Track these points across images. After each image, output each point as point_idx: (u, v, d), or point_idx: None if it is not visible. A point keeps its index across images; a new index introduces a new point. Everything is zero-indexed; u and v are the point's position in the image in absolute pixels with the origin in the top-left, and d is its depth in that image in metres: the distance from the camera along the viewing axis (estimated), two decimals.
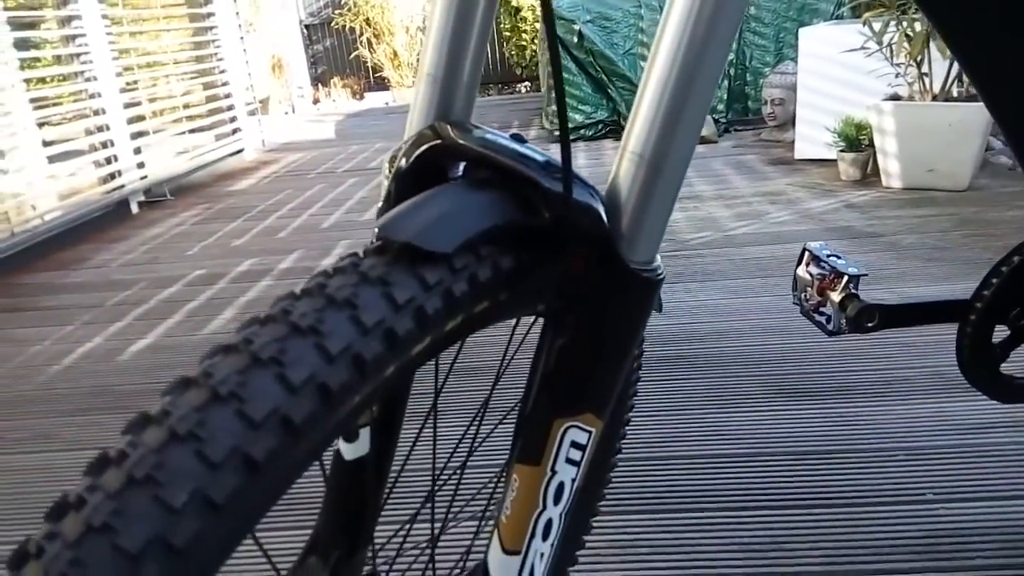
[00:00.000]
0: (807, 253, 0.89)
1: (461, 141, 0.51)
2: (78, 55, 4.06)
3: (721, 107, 4.83)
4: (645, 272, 0.50)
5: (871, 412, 1.60)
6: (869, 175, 3.41)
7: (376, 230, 0.46)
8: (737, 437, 1.56)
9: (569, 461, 0.54)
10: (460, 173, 0.54)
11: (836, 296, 0.84)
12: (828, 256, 0.87)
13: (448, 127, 0.53)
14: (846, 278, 0.84)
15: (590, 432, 0.53)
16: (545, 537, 0.56)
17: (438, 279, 0.44)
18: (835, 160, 3.52)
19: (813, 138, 3.76)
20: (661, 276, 0.51)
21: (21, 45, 3.75)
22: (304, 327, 0.40)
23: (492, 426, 0.70)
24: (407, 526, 0.66)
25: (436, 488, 0.67)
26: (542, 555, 0.57)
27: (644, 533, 1.30)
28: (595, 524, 1.31)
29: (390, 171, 0.55)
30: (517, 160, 0.49)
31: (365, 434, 0.64)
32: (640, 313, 0.51)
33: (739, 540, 1.26)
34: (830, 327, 0.87)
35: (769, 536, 1.26)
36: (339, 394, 0.39)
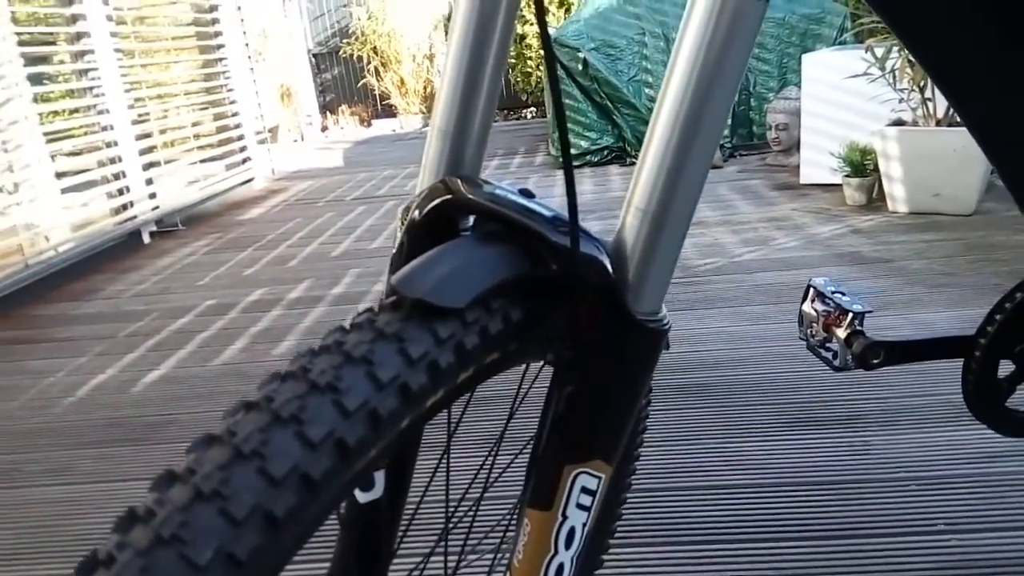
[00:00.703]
0: (812, 289, 0.91)
1: (471, 196, 0.53)
2: (90, 89, 4.13)
3: (726, 132, 4.86)
4: (651, 322, 0.51)
5: (882, 441, 1.60)
6: (875, 200, 3.42)
7: (389, 285, 0.48)
8: (746, 466, 1.55)
9: (579, 506, 0.55)
10: (470, 226, 0.55)
11: (841, 332, 0.85)
12: (833, 292, 0.88)
13: (459, 181, 0.55)
14: (851, 315, 0.85)
15: (600, 478, 0.55)
16: None
17: (450, 333, 0.46)
18: (840, 185, 3.54)
19: (818, 163, 3.78)
20: (667, 326, 0.52)
21: (35, 78, 3.82)
22: (323, 384, 0.41)
23: (505, 465, 0.72)
24: (421, 566, 0.67)
25: (449, 527, 0.68)
26: None
27: (654, 565, 1.30)
28: (608, 557, 1.31)
29: (403, 223, 0.57)
30: (525, 215, 0.51)
31: (379, 476, 0.65)
32: (646, 362, 0.52)
33: (749, 573, 1.26)
34: (836, 363, 0.88)
35: (780, 569, 1.26)
36: (356, 449, 0.41)
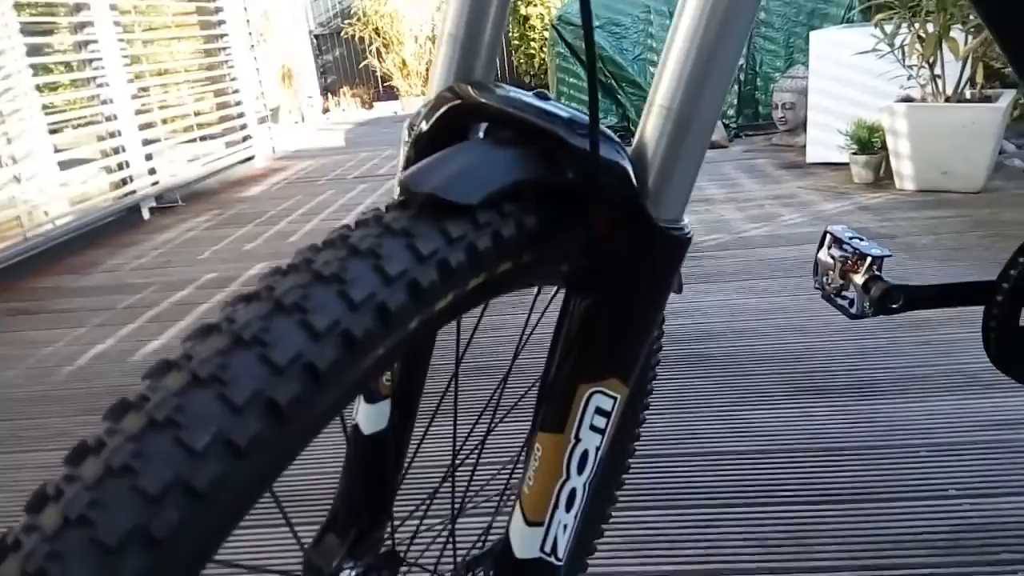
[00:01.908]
0: (828, 236, 0.88)
1: (483, 100, 0.50)
2: (90, 61, 4.09)
3: (732, 112, 4.82)
4: (674, 230, 0.48)
5: (891, 409, 1.57)
6: (882, 178, 3.39)
7: (398, 185, 0.45)
8: (755, 434, 1.53)
9: (593, 428, 0.52)
10: (482, 135, 0.53)
11: (859, 278, 0.83)
12: (851, 238, 0.85)
13: (469, 87, 0.52)
14: (869, 259, 0.82)
15: (615, 398, 0.52)
16: (568, 508, 0.55)
17: (462, 233, 0.43)
18: (847, 163, 3.50)
19: (825, 142, 3.74)
20: (689, 235, 0.49)
21: (34, 52, 3.78)
22: (327, 275, 0.39)
23: (514, 401, 0.69)
24: (426, 503, 0.65)
25: (456, 465, 0.66)
26: (565, 526, 0.55)
27: (662, 528, 1.28)
28: (613, 520, 1.29)
29: (409, 136, 0.55)
30: (542, 117, 0.48)
31: (384, 409, 0.63)
32: (667, 273, 0.50)
33: (758, 535, 1.24)
34: (853, 310, 0.85)
35: (788, 532, 1.24)
36: (363, 342, 0.38)
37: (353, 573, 0.64)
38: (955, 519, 1.23)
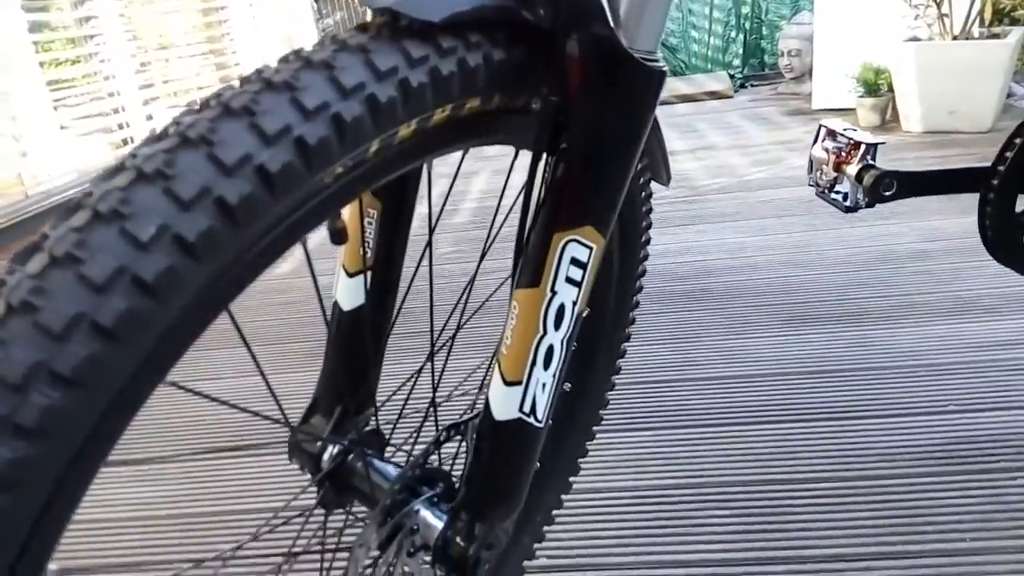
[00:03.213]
0: (823, 129, 0.86)
1: None
2: (91, 37, 4.05)
3: (736, 62, 4.75)
4: (648, 61, 0.47)
5: (886, 334, 1.57)
6: (889, 120, 3.34)
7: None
8: (749, 360, 1.53)
9: (569, 281, 0.52)
10: None
11: (852, 169, 0.81)
12: (844, 129, 0.84)
13: None
14: (863, 147, 0.80)
15: (591, 248, 0.51)
16: (547, 365, 0.54)
17: (423, 54, 0.42)
18: (854, 108, 3.45)
19: (831, 87, 3.68)
20: (664, 69, 0.48)
21: (35, 27, 3.73)
22: (278, 83, 0.38)
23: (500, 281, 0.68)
24: (410, 381, 0.65)
25: (436, 345, 0.66)
26: (544, 385, 0.55)
27: (656, 446, 1.28)
28: (608, 439, 1.30)
29: None
30: None
31: (360, 285, 0.62)
32: (643, 108, 0.49)
33: (749, 451, 1.24)
34: (847, 203, 0.84)
35: (780, 447, 1.24)
36: (317, 151, 0.37)
37: (335, 451, 0.64)
38: (950, 433, 1.23)
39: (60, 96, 3.82)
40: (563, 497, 0.91)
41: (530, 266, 0.52)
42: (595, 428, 0.90)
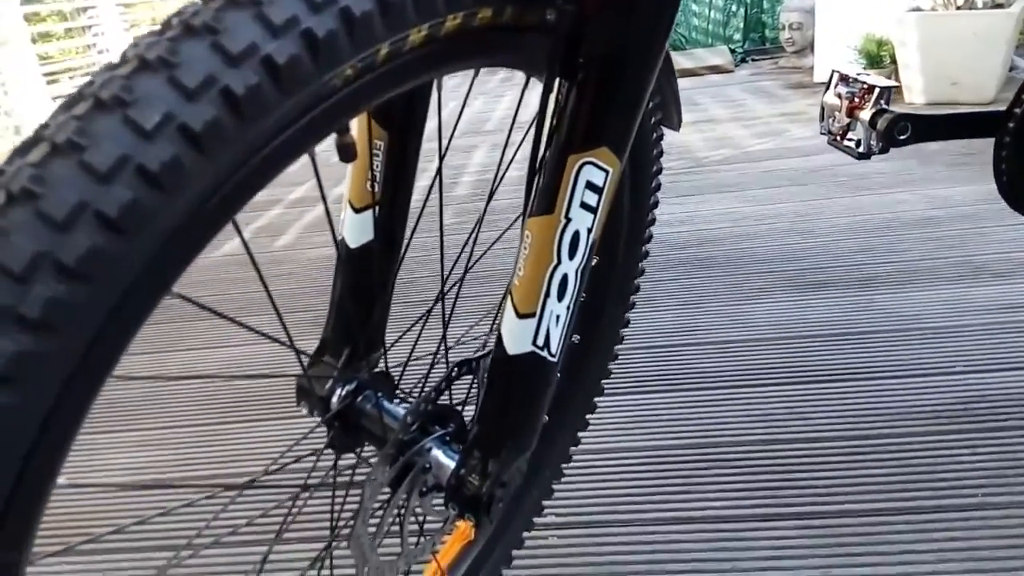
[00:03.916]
0: (835, 75, 0.84)
1: None
2: (84, 9, 4.00)
3: (737, 36, 4.71)
4: None
5: (894, 299, 1.55)
6: None
7: None
8: (755, 325, 1.52)
9: (584, 206, 0.50)
10: None
11: (866, 113, 0.80)
12: (858, 74, 0.82)
13: None
14: (877, 90, 0.79)
15: (606, 172, 0.50)
16: (561, 296, 0.53)
17: None
18: None
19: (833, 60, 3.64)
20: None
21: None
22: None
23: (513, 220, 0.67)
24: (420, 322, 0.63)
25: (446, 287, 0.64)
26: (558, 317, 0.54)
27: (663, 409, 1.27)
28: (617, 400, 1.29)
29: None
30: None
31: (368, 220, 0.61)
32: (662, 20, 0.47)
33: (758, 411, 1.23)
34: (860, 150, 0.82)
35: (789, 408, 1.23)
36: (326, 46, 0.35)
37: (345, 391, 0.63)
38: (959, 392, 1.22)
39: (51, 71, 3.79)
40: (571, 456, 0.90)
41: (544, 192, 0.51)
42: (603, 383, 0.89)
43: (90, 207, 0.30)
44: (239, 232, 0.42)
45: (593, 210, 0.51)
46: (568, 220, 0.50)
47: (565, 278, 0.52)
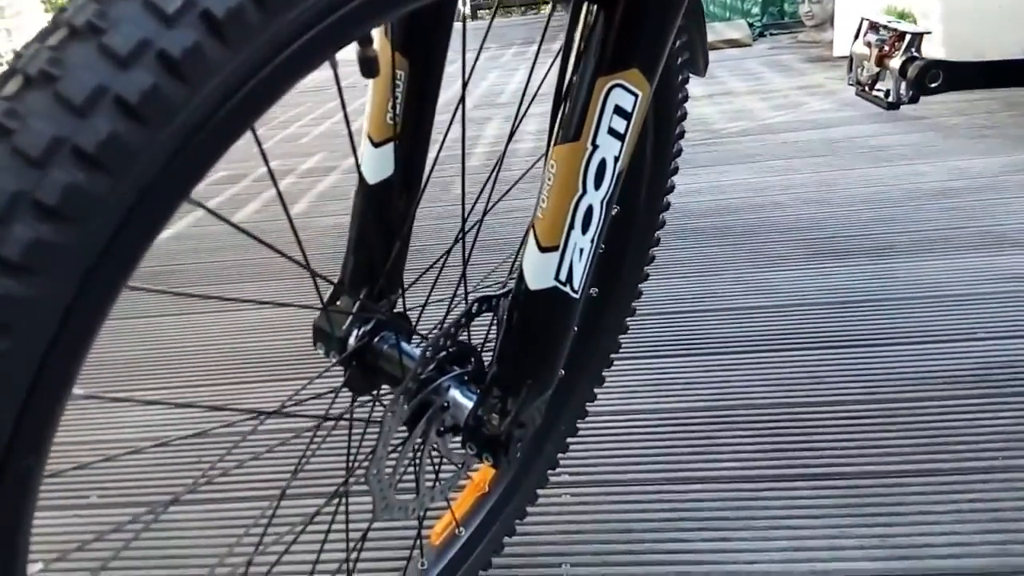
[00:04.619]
0: (865, 23, 0.82)
1: None
2: None
3: (755, 10, 4.63)
4: None
5: (912, 267, 1.53)
6: None
7: None
8: (772, 292, 1.50)
9: (612, 132, 0.49)
10: None
11: (896, 62, 0.77)
12: (888, 21, 0.80)
13: None
14: (908, 37, 0.77)
15: (636, 96, 0.48)
16: (585, 229, 0.52)
17: None
18: None
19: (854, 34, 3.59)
20: None
21: None
22: None
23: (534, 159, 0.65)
24: (439, 262, 0.62)
25: (466, 227, 0.63)
26: (582, 251, 0.52)
27: (679, 373, 1.26)
28: (630, 364, 1.28)
29: None
30: None
31: (389, 154, 0.59)
32: None
33: (773, 376, 1.22)
34: (889, 99, 0.80)
35: (805, 372, 1.22)
36: None
37: (362, 331, 0.62)
38: (980, 358, 1.20)
39: None
40: (587, 412, 0.89)
41: (571, 118, 0.49)
42: (620, 338, 0.88)
43: (110, 91, 0.29)
44: (261, 152, 0.41)
45: (621, 137, 0.49)
46: (595, 147, 0.49)
47: (590, 209, 0.51)
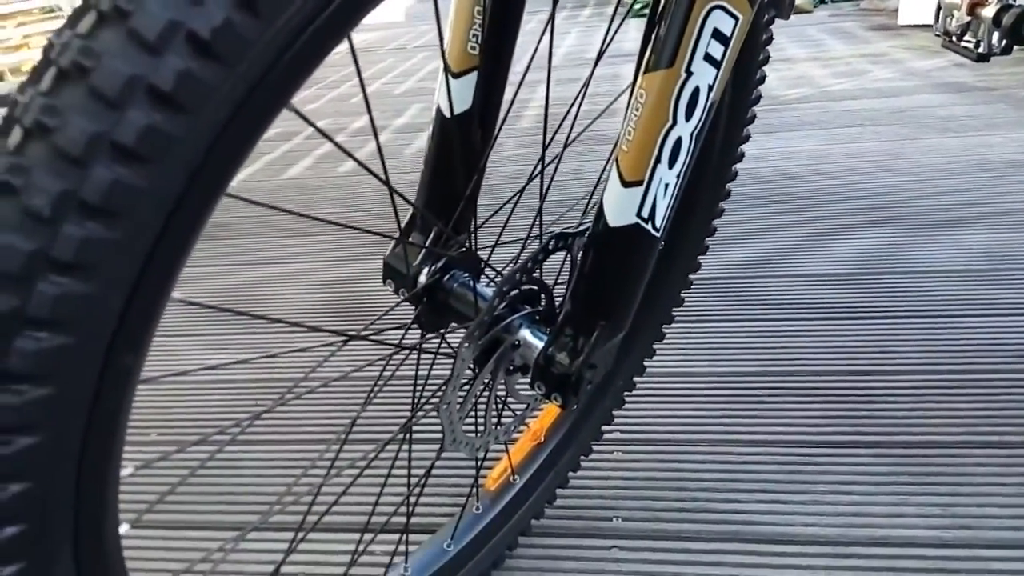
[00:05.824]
0: None
1: None
2: None
3: None
4: None
5: (983, 239, 1.47)
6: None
7: None
8: (837, 260, 1.46)
9: (708, 59, 0.47)
10: None
11: (990, 10, 0.73)
12: None
13: None
14: None
15: (736, 19, 0.46)
16: (672, 163, 0.50)
17: None
18: None
19: (919, 2, 3.44)
20: None
21: None
22: None
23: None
24: (512, 202, 0.61)
25: (543, 165, 0.62)
26: (667, 186, 0.51)
27: (739, 336, 1.24)
28: (690, 329, 1.26)
29: None
30: None
31: (469, 84, 0.58)
32: None
33: (838, 343, 1.19)
34: (979, 50, 0.76)
35: (871, 340, 1.19)
36: None
37: (431, 270, 0.62)
38: None
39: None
40: (645, 368, 0.88)
41: (665, 43, 0.47)
42: (683, 294, 0.86)
43: (183, 26, 0.28)
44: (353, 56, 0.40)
45: (717, 64, 0.47)
46: (689, 74, 0.47)
47: (679, 142, 0.49)
